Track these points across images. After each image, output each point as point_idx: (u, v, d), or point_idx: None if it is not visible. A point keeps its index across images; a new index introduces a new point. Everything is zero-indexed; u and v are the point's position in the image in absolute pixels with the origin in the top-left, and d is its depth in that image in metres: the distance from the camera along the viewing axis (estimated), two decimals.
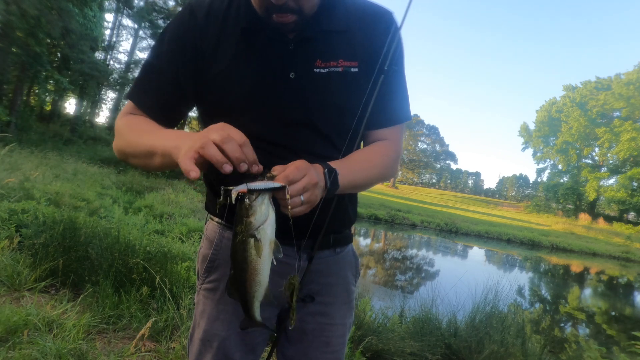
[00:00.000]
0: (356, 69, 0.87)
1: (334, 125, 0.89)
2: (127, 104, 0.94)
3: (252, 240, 0.70)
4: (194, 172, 0.64)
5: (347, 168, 0.83)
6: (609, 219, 38.09)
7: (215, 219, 1.02)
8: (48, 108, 22.34)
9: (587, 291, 10.79)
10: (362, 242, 12.98)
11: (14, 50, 12.70)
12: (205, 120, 0.93)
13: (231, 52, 0.85)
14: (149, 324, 2.24)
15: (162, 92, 0.89)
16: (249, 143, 0.68)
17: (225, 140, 0.65)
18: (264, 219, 0.69)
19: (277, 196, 0.71)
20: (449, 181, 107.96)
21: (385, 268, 9.35)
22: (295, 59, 0.84)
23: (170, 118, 0.93)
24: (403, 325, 3.35)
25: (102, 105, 29.38)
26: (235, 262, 0.74)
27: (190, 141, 0.68)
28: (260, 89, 0.85)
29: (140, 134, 0.84)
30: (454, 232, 18.83)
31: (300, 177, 0.70)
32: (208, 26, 0.85)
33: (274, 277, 0.92)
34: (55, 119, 21.07)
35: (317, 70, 0.85)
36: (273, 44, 0.84)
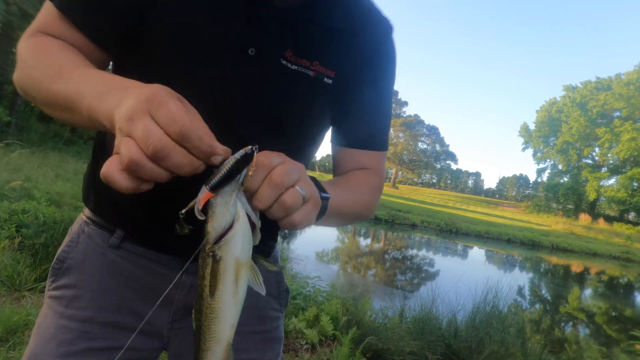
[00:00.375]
0: (330, 81, 0.70)
1: (291, 134, 0.72)
2: (42, 17, 0.64)
3: (211, 261, 0.46)
4: (131, 187, 0.43)
5: (335, 193, 0.64)
6: (609, 219, 38.11)
7: (87, 210, 0.78)
8: None
9: (587, 291, 10.79)
10: (362, 242, 12.99)
11: (14, 50, 12.71)
12: (132, 59, 0.67)
13: (183, 2, 0.64)
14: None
15: (104, 8, 0.63)
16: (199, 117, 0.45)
17: (181, 137, 0.41)
18: (225, 224, 0.45)
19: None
20: (449, 181, 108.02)
21: (385, 268, 9.35)
22: (261, 33, 0.65)
23: (107, 48, 0.66)
24: (403, 325, 3.35)
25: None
26: (195, 300, 0.49)
27: (131, 116, 0.42)
28: (202, 48, 0.64)
29: (58, 69, 0.56)
30: (454, 232, 18.82)
31: (294, 165, 0.50)
32: None
33: (146, 292, 0.73)
34: (56, 119, 21.02)
35: (284, 62, 0.66)
36: (239, 6, 0.64)
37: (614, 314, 8.37)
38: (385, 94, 0.81)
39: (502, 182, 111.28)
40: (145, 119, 0.41)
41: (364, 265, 9.15)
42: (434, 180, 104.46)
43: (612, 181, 39.37)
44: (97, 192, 0.75)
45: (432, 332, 3.19)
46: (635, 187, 35.44)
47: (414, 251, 12.70)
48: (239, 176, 0.45)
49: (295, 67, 0.67)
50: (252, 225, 0.48)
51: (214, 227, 0.45)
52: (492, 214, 37.11)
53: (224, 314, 0.47)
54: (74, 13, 0.62)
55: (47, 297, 0.77)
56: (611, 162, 40.53)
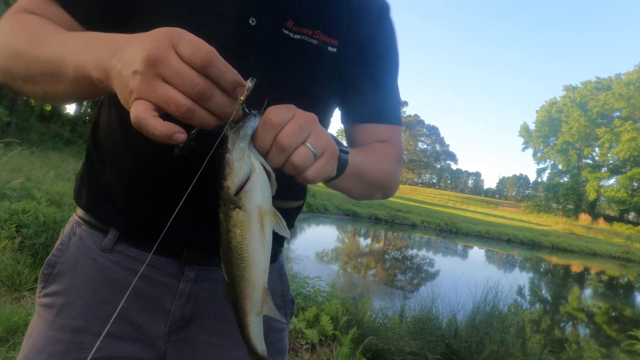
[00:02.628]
0: (334, 50, 0.70)
1: (296, 104, 0.71)
2: None
3: (235, 213, 0.47)
4: (180, 133, 0.41)
5: (355, 153, 0.63)
6: (609, 219, 38.12)
7: (79, 210, 0.74)
8: (48, 108, 22.34)
9: (587, 291, 10.79)
10: (362, 242, 12.99)
11: None
12: None
13: None
14: None
15: None
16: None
17: (208, 63, 0.40)
18: (243, 176, 0.46)
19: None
20: (449, 181, 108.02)
21: (385, 268, 9.35)
22: (262, 3, 0.64)
23: (91, 28, 0.62)
24: (403, 325, 3.35)
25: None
26: (222, 254, 0.51)
27: (135, 58, 0.40)
28: (203, 19, 0.62)
29: (39, 37, 0.53)
30: (454, 232, 18.82)
31: (304, 119, 0.48)
32: None
33: (141, 301, 0.69)
34: (56, 119, 21.07)
35: (286, 31, 0.65)
36: None
37: (614, 314, 8.37)
38: (393, 70, 0.80)
39: (502, 182, 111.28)
40: (172, 58, 0.40)
41: (364, 265, 9.15)
42: (434, 180, 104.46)
43: (612, 181, 39.42)
44: (91, 188, 0.72)
45: (432, 332, 3.19)
46: (635, 187, 35.45)
47: (414, 251, 12.70)
48: (247, 130, 0.46)
49: (298, 37, 0.66)
50: (268, 174, 0.49)
51: (233, 182, 0.46)
52: (492, 214, 37.11)
53: (256, 261, 0.49)
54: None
55: (37, 305, 0.73)
56: (611, 162, 40.55)
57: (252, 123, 0.46)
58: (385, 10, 0.78)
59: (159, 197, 0.66)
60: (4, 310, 2.26)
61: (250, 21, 0.64)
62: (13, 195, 4.72)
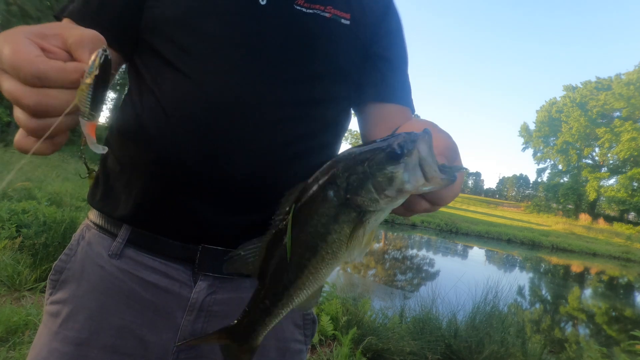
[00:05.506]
0: (347, 22, 0.70)
1: (317, 80, 0.68)
2: None
3: (354, 216, 0.41)
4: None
5: None
6: (609, 219, 38.13)
7: (91, 213, 0.72)
8: None
9: (588, 291, 10.79)
10: None
11: None
12: (145, 54, 0.67)
13: None
14: None
15: (107, 5, 0.65)
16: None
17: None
18: (415, 184, 0.40)
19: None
20: None
21: (385, 268, 9.35)
22: None
23: (120, 40, 0.66)
24: (403, 325, 3.35)
25: (102, 105, 29.41)
26: (309, 237, 0.44)
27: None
28: (213, 6, 0.64)
29: None
30: (454, 232, 18.83)
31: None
32: None
33: (149, 315, 0.65)
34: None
35: (298, 7, 0.66)
36: None
37: (614, 314, 8.37)
38: (404, 56, 0.80)
39: (502, 182, 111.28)
40: (4, 78, 0.37)
41: (364, 265, 9.15)
42: None
43: (612, 181, 39.39)
44: (105, 186, 0.70)
45: (432, 332, 3.19)
46: (635, 187, 35.43)
47: (414, 251, 12.70)
48: (423, 151, 0.39)
49: (311, 11, 0.67)
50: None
51: (406, 180, 0.40)
52: (492, 214, 37.11)
53: (334, 266, 0.45)
54: (74, 15, 0.64)
55: (44, 312, 0.70)
56: (611, 162, 40.54)
57: (424, 145, 0.40)
58: (388, 0, 0.79)
59: (174, 191, 0.63)
60: (4, 310, 2.26)
61: (260, 1, 0.64)
62: (13, 195, 4.72)
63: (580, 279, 12.67)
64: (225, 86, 0.60)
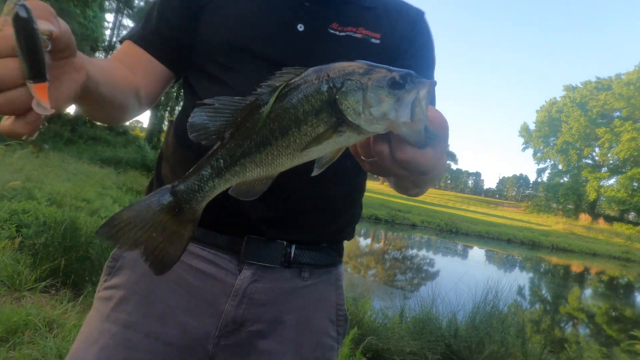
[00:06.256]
0: (378, 41, 0.76)
1: None
2: (117, 51, 0.80)
3: (333, 120, 0.43)
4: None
5: None
6: (609, 219, 38.12)
7: None
8: None
9: (588, 291, 10.79)
10: (362, 242, 12.98)
11: None
12: (196, 73, 0.77)
13: None
14: None
15: (161, 28, 0.76)
16: None
17: None
18: (397, 117, 0.40)
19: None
20: (449, 181, 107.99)
21: (385, 268, 9.35)
22: (307, 13, 0.74)
23: (165, 62, 0.76)
24: (403, 325, 3.35)
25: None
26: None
27: None
28: (261, 30, 0.72)
29: None
30: (454, 232, 18.82)
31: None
32: None
33: (194, 301, 0.71)
34: (56, 119, 21.05)
35: (332, 31, 0.73)
36: None
37: (614, 314, 8.37)
38: (431, 67, 0.84)
39: (502, 182, 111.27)
40: None
41: (364, 265, 9.15)
42: None
43: (612, 181, 39.40)
44: (159, 182, 0.78)
45: (432, 332, 3.19)
46: (635, 187, 35.43)
47: (414, 251, 12.69)
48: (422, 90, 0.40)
49: (344, 34, 0.74)
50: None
51: (382, 114, 0.40)
52: (492, 214, 37.10)
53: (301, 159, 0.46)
54: (136, 37, 0.76)
55: (95, 300, 0.76)
56: (611, 162, 40.54)
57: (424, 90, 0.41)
58: (419, 14, 0.84)
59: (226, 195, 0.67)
60: (4, 310, 2.26)
61: (298, 27, 0.73)
62: (13, 195, 4.71)
63: (580, 279, 12.67)
64: (245, 83, 0.65)
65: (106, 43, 23.79)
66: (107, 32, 24.37)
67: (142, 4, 22.11)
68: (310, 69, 0.45)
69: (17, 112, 0.38)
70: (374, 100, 0.40)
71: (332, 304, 0.80)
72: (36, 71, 0.37)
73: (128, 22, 25.33)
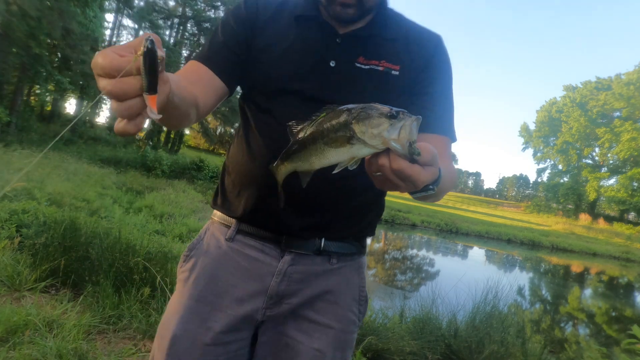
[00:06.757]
0: (397, 72, 0.89)
1: None
2: (184, 68, 0.93)
3: (348, 135, 0.61)
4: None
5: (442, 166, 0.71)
6: (609, 219, 38.10)
7: (214, 213, 1.03)
8: (48, 108, 22.34)
9: (588, 291, 10.79)
10: None
11: (14, 50, 12.72)
12: (248, 101, 0.96)
13: (281, 33, 0.91)
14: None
15: (222, 51, 0.91)
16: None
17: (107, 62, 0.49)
18: (390, 136, 0.57)
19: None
20: None
21: (385, 268, 9.35)
22: (339, 50, 0.88)
23: (224, 79, 0.91)
24: (403, 325, 3.35)
25: (103, 106, 29.37)
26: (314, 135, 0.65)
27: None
28: (299, 68, 0.88)
29: None
30: (454, 232, 18.82)
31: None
32: (268, 5, 0.94)
33: (247, 280, 0.91)
34: (56, 119, 21.06)
35: (358, 65, 0.87)
36: (322, 34, 0.89)
37: (614, 314, 8.37)
38: (448, 90, 0.95)
39: (502, 182, 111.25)
40: (97, 79, 0.51)
41: None
42: None
43: (612, 181, 39.37)
44: (223, 196, 1.00)
45: (432, 332, 3.19)
46: (635, 187, 35.42)
47: (414, 251, 12.70)
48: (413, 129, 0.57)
49: (368, 67, 0.88)
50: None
51: (379, 133, 0.58)
52: (492, 214, 37.10)
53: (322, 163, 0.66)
54: (198, 57, 0.90)
55: (177, 280, 0.98)
56: (611, 162, 40.52)
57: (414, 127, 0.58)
58: (437, 40, 0.96)
59: (270, 199, 0.87)
60: (4, 310, 2.26)
61: (330, 64, 0.88)
62: (14, 194, 4.71)
63: (580, 279, 12.67)
64: (291, 112, 0.82)
65: (106, 43, 23.78)
66: (107, 32, 24.37)
67: (142, 3, 22.09)
68: (341, 107, 0.64)
69: (131, 117, 0.51)
70: (376, 124, 0.58)
71: (355, 285, 0.99)
72: (151, 86, 0.50)
73: (128, 22, 25.34)
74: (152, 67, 0.50)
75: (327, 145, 0.64)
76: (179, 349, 0.87)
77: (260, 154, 0.90)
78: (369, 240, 1.01)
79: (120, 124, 0.52)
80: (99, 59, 0.49)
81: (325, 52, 0.88)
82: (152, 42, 0.49)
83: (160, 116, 0.52)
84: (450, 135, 0.93)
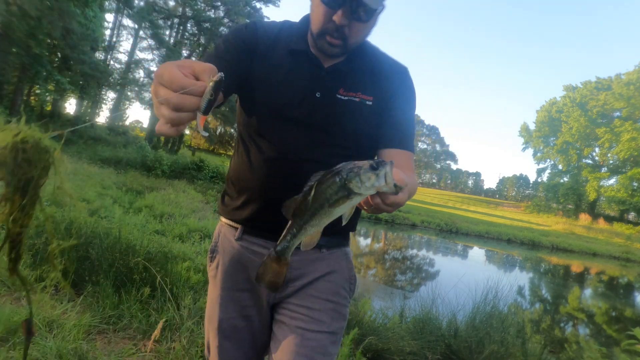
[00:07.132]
0: (370, 103, 1.06)
1: (350, 142, 1.06)
2: None
3: (346, 193, 0.75)
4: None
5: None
6: (609, 219, 38.08)
7: (223, 219, 1.20)
8: (48, 108, 22.34)
9: (587, 291, 10.78)
10: (362, 242, 12.98)
11: (14, 50, 12.72)
12: (246, 125, 1.10)
13: (277, 64, 1.05)
14: (160, 325, 2.25)
15: (221, 63, 0.99)
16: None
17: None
18: (379, 185, 0.73)
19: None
20: (449, 181, 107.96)
21: (385, 268, 9.35)
22: (324, 82, 1.04)
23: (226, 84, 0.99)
24: (403, 325, 3.35)
25: (102, 106, 29.35)
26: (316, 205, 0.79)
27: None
28: (293, 98, 1.03)
29: None
30: (454, 232, 18.82)
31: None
32: (266, 36, 1.07)
33: (254, 270, 1.08)
34: (56, 119, 21.05)
35: (339, 96, 1.04)
36: (310, 67, 1.05)
37: (614, 314, 8.37)
38: (410, 114, 1.13)
39: (502, 182, 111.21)
40: (158, 86, 0.63)
41: (364, 265, 9.15)
42: (434, 180, 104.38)
43: (612, 181, 39.35)
44: (226, 205, 1.17)
45: (432, 332, 3.19)
46: (635, 187, 35.40)
47: (414, 251, 12.69)
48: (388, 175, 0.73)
49: (346, 98, 1.04)
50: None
51: (371, 184, 0.74)
52: (492, 214, 37.09)
53: (329, 220, 0.81)
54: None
55: (209, 277, 1.20)
56: (611, 162, 40.50)
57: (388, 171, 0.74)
58: (403, 72, 1.14)
59: (268, 208, 1.05)
60: (4, 310, 2.26)
61: (316, 95, 1.03)
62: None
63: (580, 279, 12.67)
64: (291, 148, 1.03)
65: (106, 43, 23.77)
66: (107, 32, 24.36)
67: (142, 4, 22.09)
68: (327, 171, 0.78)
69: (177, 125, 0.62)
70: (365, 179, 0.73)
71: (344, 267, 1.15)
72: (207, 109, 0.62)
73: (128, 22, 25.31)
74: (215, 95, 0.62)
75: (332, 207, 0.78)
76: (225, 327, 1.12)
77: (259, 170, 1.06)
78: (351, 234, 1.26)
79: (164, 127, 0.63)
80: (166, 74, 0.61)
81: (313, 84, 1.03)
82: (222, 78, 0.62)
83: (207, 134, 0.68)
84: (412, 150, 1.12)
